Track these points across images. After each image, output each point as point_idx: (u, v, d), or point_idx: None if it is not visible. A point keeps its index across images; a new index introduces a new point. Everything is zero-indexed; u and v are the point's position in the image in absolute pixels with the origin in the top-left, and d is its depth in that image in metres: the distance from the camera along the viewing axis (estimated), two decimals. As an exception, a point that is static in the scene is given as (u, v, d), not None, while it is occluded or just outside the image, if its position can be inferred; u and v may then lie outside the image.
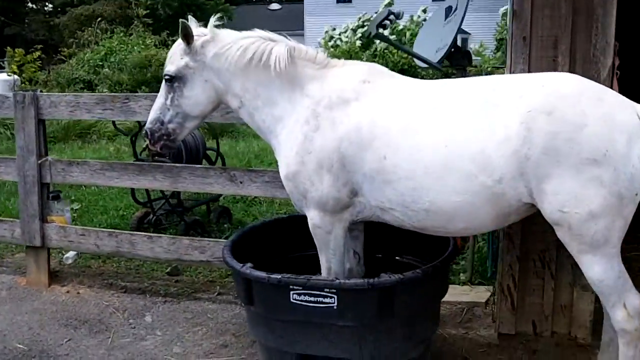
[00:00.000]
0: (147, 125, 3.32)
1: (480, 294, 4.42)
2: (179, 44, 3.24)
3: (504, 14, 16.86)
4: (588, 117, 2.60)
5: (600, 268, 2.70)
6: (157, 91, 3.36)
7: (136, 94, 4.80)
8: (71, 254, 5.22)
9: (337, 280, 2.91)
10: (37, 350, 3.83)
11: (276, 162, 3.27)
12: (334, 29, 16.37)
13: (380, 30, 5.61)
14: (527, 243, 3.61)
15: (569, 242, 2.75)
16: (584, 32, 3.35)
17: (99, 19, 19.27)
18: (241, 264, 3.11)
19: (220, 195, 6.22)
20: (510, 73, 3.45)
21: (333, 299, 2.92)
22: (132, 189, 5.71)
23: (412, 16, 17.24)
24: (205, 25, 3.23)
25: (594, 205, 2.60)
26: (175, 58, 3.23)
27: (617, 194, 2.60)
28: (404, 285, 2.93)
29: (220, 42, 3.18)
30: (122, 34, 17.37)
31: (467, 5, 5.37)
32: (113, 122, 5.86)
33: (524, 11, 3.40)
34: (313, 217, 3.12)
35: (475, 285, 4.59)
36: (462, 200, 2.77)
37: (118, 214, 6.50)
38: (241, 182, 4.15)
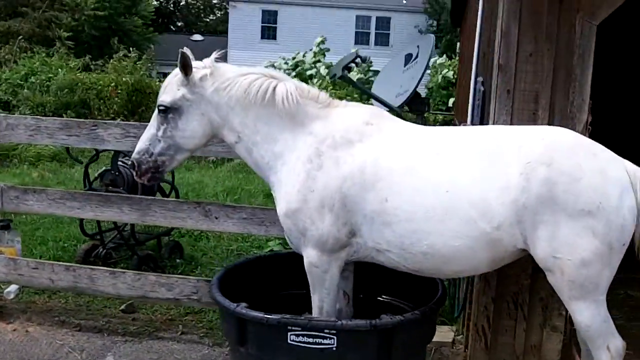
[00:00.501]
0: (134, 155, 3.22)
1: (445, 333, 4.51)
2: (176, 75, 3.19)
3: (434, 64, 17.64)
4: (584, 170, 2.77)
5: (589, 314, 2.84)
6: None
7: (106, 120, 4.61)
8: (13, 287, 4.85)
9: (339, 322, 2.90)
10: (-10, 394, 3.54)
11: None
12: (273, 65, 16.46)
13: (346, 72, 5.75)
14: (501, 285, 3.73)
15: (560, 288, 2.88)
16: (563, 89, 3.57)
17: (20, 37, 18.39)
18: (235, 304, 3.03)
19: (173, 229, 6.05)
20: (494, 123, 3.62)
21: (333, 340, 2.90)
22: (81, 220, 5.45)
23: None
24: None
25: (586, 253, 2.75)
26: (172, 89, 3.17)
27: (608, 243, 2.76)
28: (402, 327, 2.96)
29: (221, 77, 3.16)
30: (43, 55, 16.66)
31: (430, 55, 5.60)
32: (67, 149, 5.59)
33: (509, 65, 3.58)
34: (310, 255, 3.11)
35: (437, 324, 4.67)
36: (461, 245, 2.85)
37: (59, 246, 6.14)
38: (216, 218, 4.06)
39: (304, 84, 3.25)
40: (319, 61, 16.25)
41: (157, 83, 17.54)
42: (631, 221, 2.79)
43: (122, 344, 4.21)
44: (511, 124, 3.59)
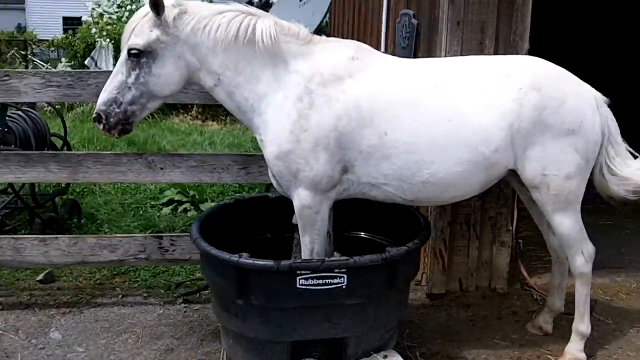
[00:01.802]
0: (100, 107, 2.88)
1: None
2: (145, 14, 2.87)
3: None
4: (566, 94, 3.00)
5: (569, 223, 3.12)
6: None
7: (19, 70, 3.96)
8: None
9: (351, 259, 2.87)
10: None
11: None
12: (99, 5, 15.05)
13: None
14: (456, 208, 3.94)
15: (545, 202, 3.10)
16: (506, 19, 3.76)
17: None
18: (237, 255, 2.87)
19: (68, 186, 5.49)
20: (446, 54, 3.72)
21: (342, 278, 2.88)
22: (-35, 185, 4.75)
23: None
24: None
25: (570, 168, 3.01)
26: (143, 30, 2.84)
27: (586, 158, 3.05)
28: (405, 258, 3.02)
29: (195, 15, 2.90)
30: None
31: (332, -11, 5.51)
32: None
33: (459, -3, 3.67)
34: (303, 197, 3.02)
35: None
36: (463, 170, 2.96)
37: None
38: (161, 169, 3.75)
39: (283, 21, 3.05)
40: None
41: None
42: (600, 137, 3.09)
43: (61, 317, 3.79)
44: (461, 53, 3.72)
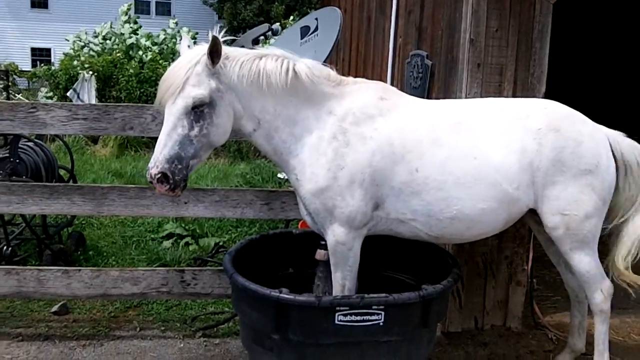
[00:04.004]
0: (163, 165, 2.74)
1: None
2: (197, 62, 2.84)
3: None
4: (583, 135, 3.13)
5: (588, 260, 3.22)
6: None
7: (46, 102, 3.97)
8: None
9: (390, 296, 2.92)
10: None
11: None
12: (79, 38, 14.99)
13: (254, 46, 5.57)
14: (473, 246, 4.02)
15: (563, 241, 3.19)
16: (524, 62, 3.90)
17: None
18: (276, 290, 2.89)
19: (74, 218, 5.45)
20: (466, 95, 3.84)
21: (380, 315, 2.92)
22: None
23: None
24: None
25: (588, 207, 3.12)
26: (202, 80, 2.84)
27: (603, 198, 3.17)
28: (439, 295, 3.07)
29: (237, 61, 2.94)
30: None
31: (340, 28, 5.63)
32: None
33: (479, 40, 3.82)
34: (338, 233, 3.07)
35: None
36: (487, 207, 3.05)
37: None
38: (185, 203, 3.77)
39: (313, 62, 3.13)
40: (136, 32, 15.09)
41: None
42: (615, 178, 3.21)
43: (82, 349, 3.76)
44: (481, 95, 3.85)
